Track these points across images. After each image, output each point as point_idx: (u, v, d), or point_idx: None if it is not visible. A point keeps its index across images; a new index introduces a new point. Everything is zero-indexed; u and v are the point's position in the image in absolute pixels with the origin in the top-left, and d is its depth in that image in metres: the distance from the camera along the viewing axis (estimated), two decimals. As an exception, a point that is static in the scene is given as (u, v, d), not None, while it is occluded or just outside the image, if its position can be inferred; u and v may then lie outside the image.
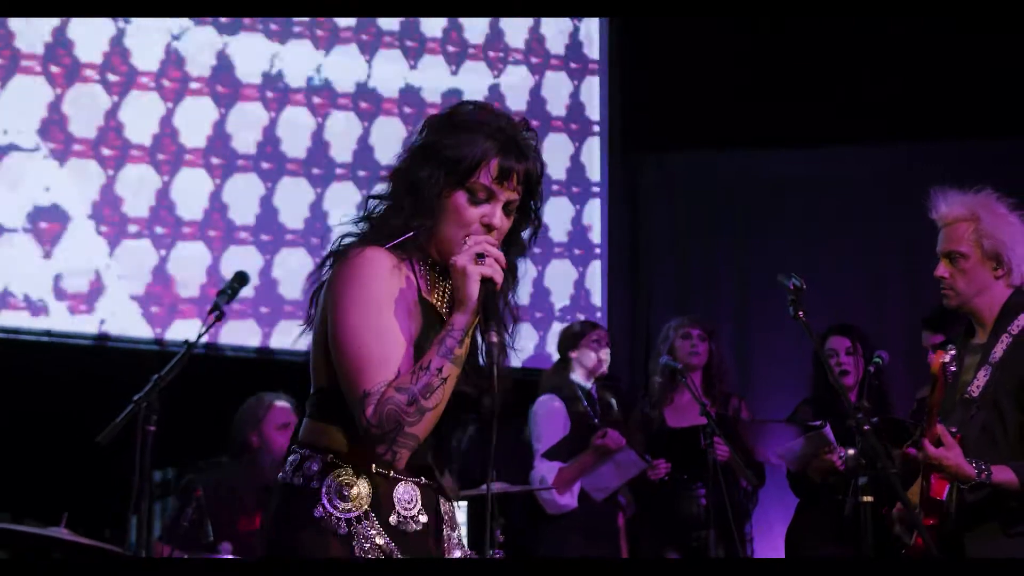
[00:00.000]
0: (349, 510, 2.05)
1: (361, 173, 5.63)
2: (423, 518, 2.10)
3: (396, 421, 1.97)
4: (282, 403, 4.54)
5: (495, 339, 2.03)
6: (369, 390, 1.99)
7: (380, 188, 2.17)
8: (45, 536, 3.71)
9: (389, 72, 5.80)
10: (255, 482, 4.36)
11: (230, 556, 4.00)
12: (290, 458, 2.12)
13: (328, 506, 2.05)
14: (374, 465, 2.07)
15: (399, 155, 2.16)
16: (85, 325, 5.19)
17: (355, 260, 2.07)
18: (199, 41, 5.39)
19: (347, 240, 2.14)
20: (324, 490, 2.06)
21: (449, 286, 2.14)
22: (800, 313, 3.17)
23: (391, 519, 2.07)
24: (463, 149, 2.07)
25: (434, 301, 2.15)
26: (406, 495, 2.10)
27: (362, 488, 2.06)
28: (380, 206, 2.15)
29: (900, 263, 6.09)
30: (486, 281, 2.03)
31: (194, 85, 5.38)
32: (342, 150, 5.65)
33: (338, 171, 5.64)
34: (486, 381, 2.07)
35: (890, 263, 6.15)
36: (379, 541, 2.06)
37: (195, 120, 5.37)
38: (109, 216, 5.22)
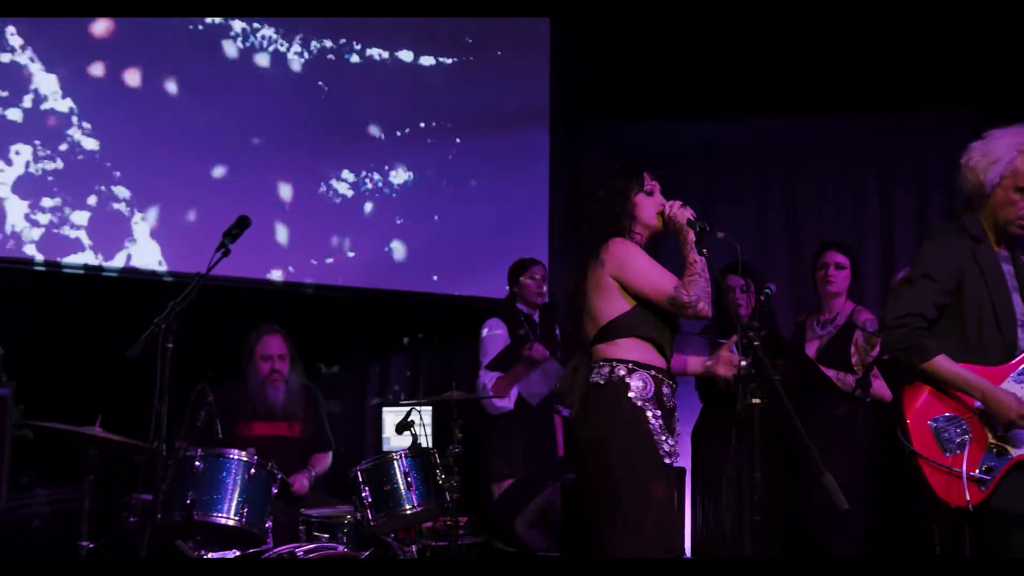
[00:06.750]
0: None
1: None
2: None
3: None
4: (270, 336, 4.92)
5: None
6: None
7: None
8: (83, 433, 4.08)
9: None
10: (248, 397, 4.87)
11: (240, 454, 4.25)
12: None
13: None
14: None
15: None
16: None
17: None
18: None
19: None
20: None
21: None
22: (704, 251, 3.40)
23: None
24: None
25: None
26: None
27: None
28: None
29: (782, 213, 6.81)
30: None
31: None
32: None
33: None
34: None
35: (775, 213, 6.83)
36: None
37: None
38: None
